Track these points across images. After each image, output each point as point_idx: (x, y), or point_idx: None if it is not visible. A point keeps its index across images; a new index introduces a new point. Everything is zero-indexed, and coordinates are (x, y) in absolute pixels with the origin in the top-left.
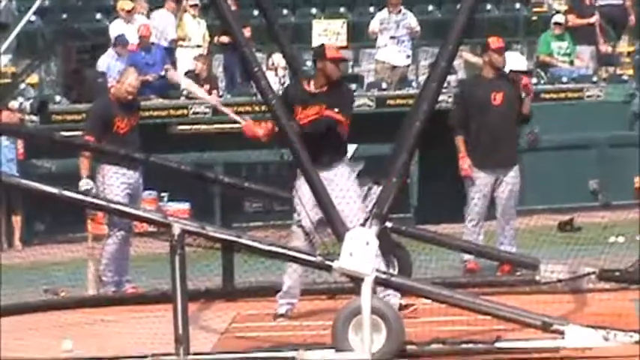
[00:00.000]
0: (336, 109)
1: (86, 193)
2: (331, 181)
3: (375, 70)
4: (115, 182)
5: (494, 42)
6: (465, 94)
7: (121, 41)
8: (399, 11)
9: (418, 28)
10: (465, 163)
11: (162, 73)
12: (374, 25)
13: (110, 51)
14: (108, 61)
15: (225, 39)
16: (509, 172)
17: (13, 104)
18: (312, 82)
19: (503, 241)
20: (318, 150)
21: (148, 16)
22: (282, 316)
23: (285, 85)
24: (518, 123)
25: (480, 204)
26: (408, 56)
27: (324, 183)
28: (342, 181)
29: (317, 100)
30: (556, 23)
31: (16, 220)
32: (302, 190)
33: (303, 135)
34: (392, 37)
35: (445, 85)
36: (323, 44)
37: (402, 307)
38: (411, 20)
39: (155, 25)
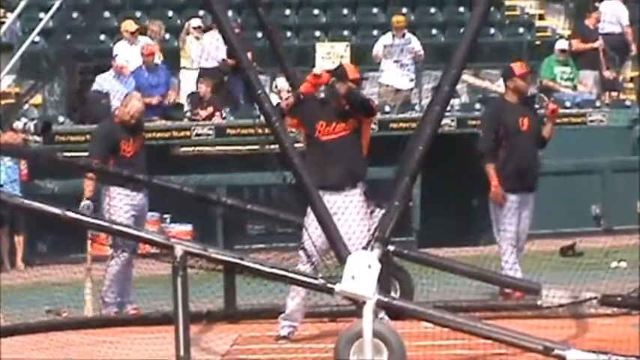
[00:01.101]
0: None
1: (87, 213)
2: (339, 207)
3: (379, 93)
4: (119, 204)
5: (518, 68)
6: (492, 119)
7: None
8: (403, 35)
9: (422, 52)
10: (499, 191)
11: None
12: (378, 49)
13: (108, 74)
14: (105, 81)
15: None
16: (530, 198)
17: (17, 125)
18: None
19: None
20: (331, 170)
21: (164, 39)
22: (283, 337)
23: (301, 99)
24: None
25: (514, 226)
26: (412, 80)
27: (332, 206)
28: (350, 210)
29: (343, 117)
30: (561, 50)
31: (19, 241)
32: (311, 213)
33: (325, 152)
34: (395, 61)
35: (448, 109)
36: (342, 65)
37: None
38: (414, 44)
39: (206, 46)
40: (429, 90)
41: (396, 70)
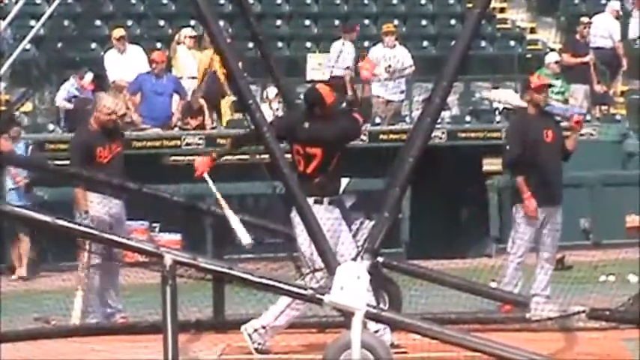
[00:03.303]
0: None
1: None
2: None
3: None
4: (92, 210)
5: (534, 80)
6: (518, 132)
7: (80, 74)
8: (394, 46)
9: (411, 63)
10: (532, 203)
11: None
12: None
13: (71, 80)
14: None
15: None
16: (555, 210)
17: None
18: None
19: (541, 278)
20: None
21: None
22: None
23: (282, 117)
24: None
25: (527, 236)
26: (402, 92)
27: None
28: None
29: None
30: (554, 62)
31: (22, 249)
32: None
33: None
34: (386, 73)
35: (439, 121)
36: (318, 90)
37: (392, 346)
38: (405, 57)
39: (332, 55)
40: (419, 102)
41: (386, 81)
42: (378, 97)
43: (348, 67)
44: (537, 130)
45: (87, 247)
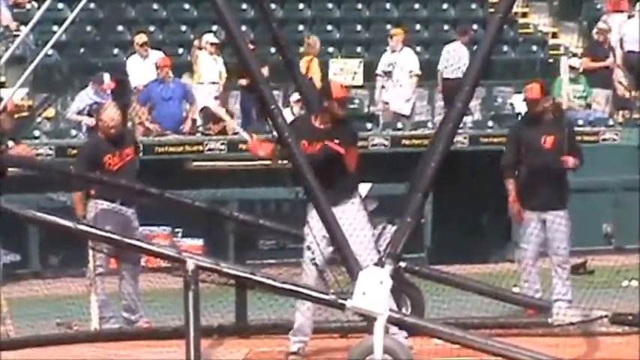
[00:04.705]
0: (336, 141)
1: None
2: (339, 219)
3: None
4: (100, 217)
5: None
6: (516, 135)
7: (98, 80)
8: (400, 50)
9: (415, 67)
10: (515, 207)
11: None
12: (380, 66)
13: (89, 88)
14: (87, 96)
15: (244, 81)
16: (556, 216)
17: None
18: (317, 118)
19: (557, 283)
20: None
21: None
22: (294, 353)
23: (295, 118)
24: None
25: (531, 246)
26: (407, 100)
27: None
28: (348, 219)
29: (321, 136)
30: (571, 67)
31: None
32: (314, 225)
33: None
34: (388, 77)
35: (461, 126)
36: (329, 82)
37: None
38: (409, 61)
39: (450, 57)
40: (441, 107)
41: (391, 87)
42: (386, 103)
43: (459, 68)
44: (534, 135)
45: (91, 254)
